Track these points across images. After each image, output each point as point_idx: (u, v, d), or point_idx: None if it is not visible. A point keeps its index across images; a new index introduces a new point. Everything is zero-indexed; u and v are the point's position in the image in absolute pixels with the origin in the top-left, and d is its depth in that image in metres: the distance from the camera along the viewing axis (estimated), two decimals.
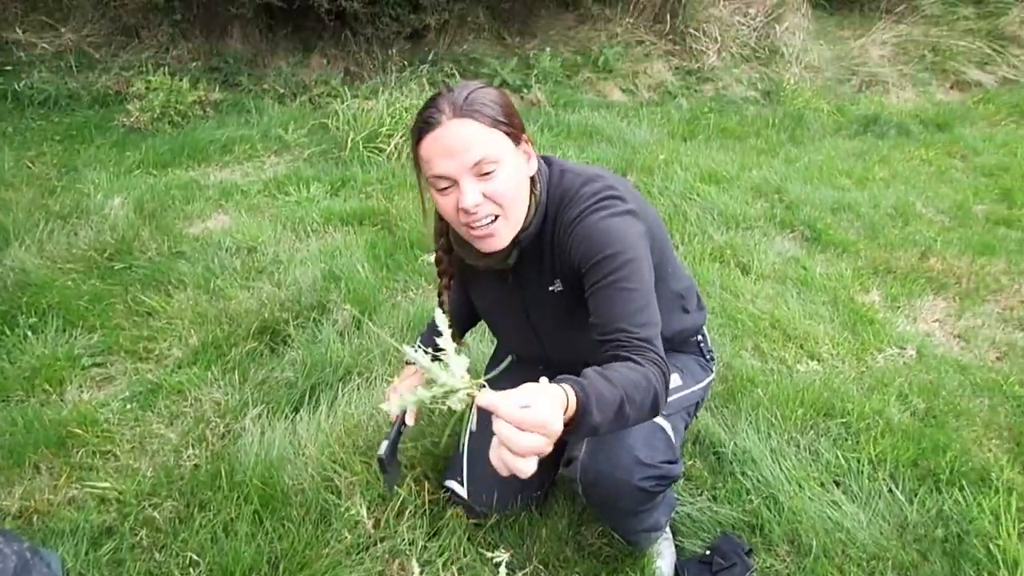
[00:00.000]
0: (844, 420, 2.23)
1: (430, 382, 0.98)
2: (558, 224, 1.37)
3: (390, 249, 3.17)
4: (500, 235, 1.32)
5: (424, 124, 1.28)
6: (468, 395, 0.95)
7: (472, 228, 1.30)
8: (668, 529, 1.87)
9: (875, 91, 6.54)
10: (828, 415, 2.26)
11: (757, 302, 2.89)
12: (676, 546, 1.87)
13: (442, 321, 1.03)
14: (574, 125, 5.12)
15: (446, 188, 1.28)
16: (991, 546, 1.82)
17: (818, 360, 2.59)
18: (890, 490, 2.00)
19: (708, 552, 1.82)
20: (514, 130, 1.31)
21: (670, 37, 6.33)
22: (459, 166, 1.25)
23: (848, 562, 1.79)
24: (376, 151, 4.26)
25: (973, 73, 6.98)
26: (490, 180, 1.26)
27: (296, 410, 2.20)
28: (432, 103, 1.28)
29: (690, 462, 2.07)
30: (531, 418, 0.88)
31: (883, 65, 6.71)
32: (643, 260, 1.29)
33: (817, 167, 4.60)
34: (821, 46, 6.87)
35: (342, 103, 4.59)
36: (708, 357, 1.79)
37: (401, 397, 1.06)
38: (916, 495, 1.98)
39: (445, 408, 0.97)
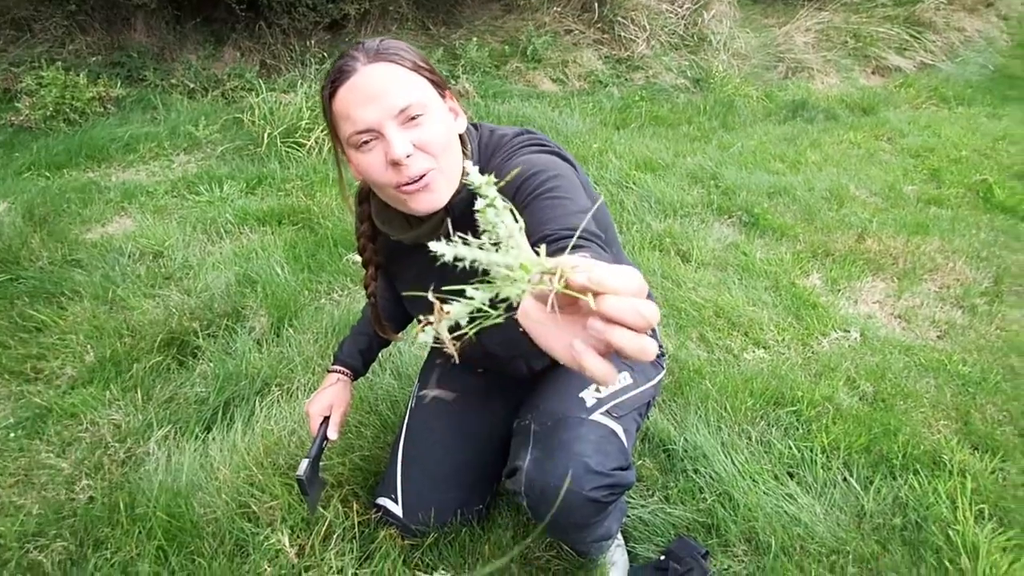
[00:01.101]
0: (794, 408, 2.15)
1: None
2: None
3: (312, 249, 2.95)
4: (437, 189, 1.16)
5: (338, 74, 1.11)
6: (545, 275, 0.54)
7: (404, 187, 1.14)
8: (620, 535, 1.75)
9: (801, 77, 6.61)
10: (778, 404, 2.18)
11: (699, 290, 2.80)
12: (629, 552, 1.76)
13: (472, 170, 0.58)
14: (504, 116, 4.98)
15: (369, 142, 1.12)
16: (950, 532, 1.76)
17: (764, 348, 2.51)
18: (845, 479, 1.94)
19: (663, 557, 1.70)
20: (438, 80, 1.16)
21: (599, 26, 6.25)
22: (382, 112, 1.09)
23: (807, 558, 1.70)
24: (295, 146, 4.02)
25: (893, 59, 7.14)
26: (419, 127, 1.12)
27: (208, 429, 2.00)
28: (343, 55, 1.13)
29: (639, 461, 1.95)
30: (637, 285, 0.54)
31: (807, 52, 6.79)
32: (576, 185, 1.14)
33: (750, 152, 4.58)
34: (748, 34, 6.92)
35: (257, 97, 4.32)
36: (660, 352, 1.67)
37: (445, 314, 0.56)
38: (871, 483, 1.91)
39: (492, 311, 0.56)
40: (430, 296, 0.57)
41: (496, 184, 0.56)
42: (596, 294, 0.52)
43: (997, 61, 8.23)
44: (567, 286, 0.53)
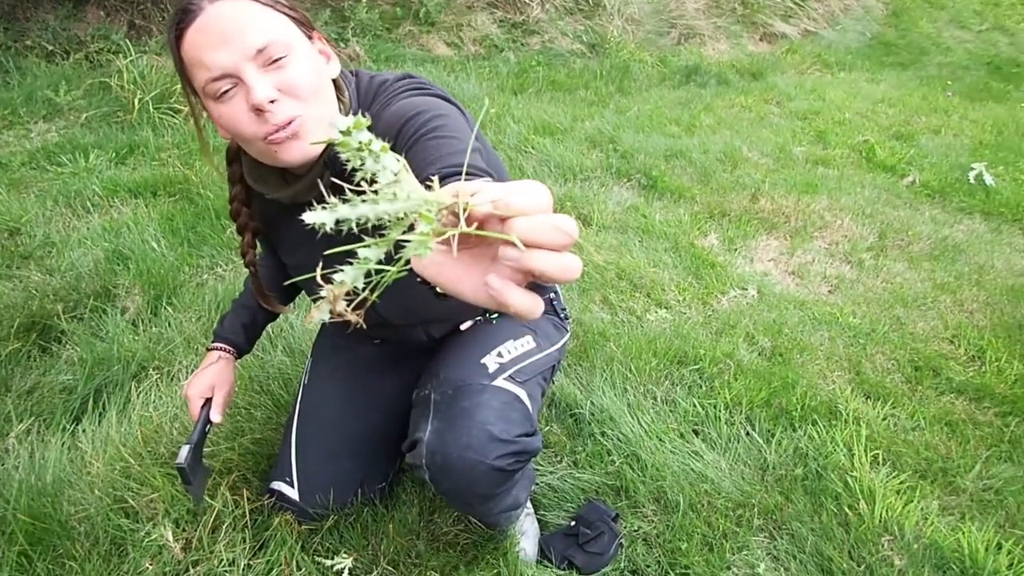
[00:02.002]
0: (697, 367, 2.16)
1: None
2: (372, 129, 1.10)
3: (191, 222, 2.73)
4: (307, 134, 1.03)
5: (183, 14, 0.97)
6: (447, 211, 0.46)
7: (270, 137, 1.01)
8: (529, 503, 1.70)
9: (693, 43, 6.71)
10: (681, 363, 2.18)
11: (601, 253, 2.78)
12: (539, 520, 1.72)
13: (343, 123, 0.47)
14: None
15: (228, 91, 0.99)
16: (848, 479, 1.81)
17: (666, 308, 2.51)
18: (747, 433, 1.96)
19: (573, 523, 1.68)
20: (301, 19, 1.04)
21: None
22: (238, 54, 0.96)
23: (715, 513, 1.71)
24: (170, 112, 3.72)
25: (779, 25, 7.36)
26: (282, 69, 0.99)
27: (77, 420, 1.82)
28: None
29: (547, 428, 1.91)
30: (546, 199, 0.47)
31: (699, 18, 6.90)
32: (463, 125, 1.05)
33: (647, 116, 4.60)
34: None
35: (126, 59, 3.96)
36: (562, 316, 1.61)
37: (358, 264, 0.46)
38: (773, 436, 1.95)
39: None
40: (318, 277, 0.47)
41: (367, 127, 0.46)
42: (503, 219, 0.45)
43: (874, 29, 8.65)
44: (469, 220, 0.45)
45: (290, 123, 1.01)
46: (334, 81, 1.11)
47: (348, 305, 0.47)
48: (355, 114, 1.13)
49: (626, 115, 4.60)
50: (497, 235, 0.45)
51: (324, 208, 0.44)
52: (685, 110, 4.92)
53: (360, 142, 0.46)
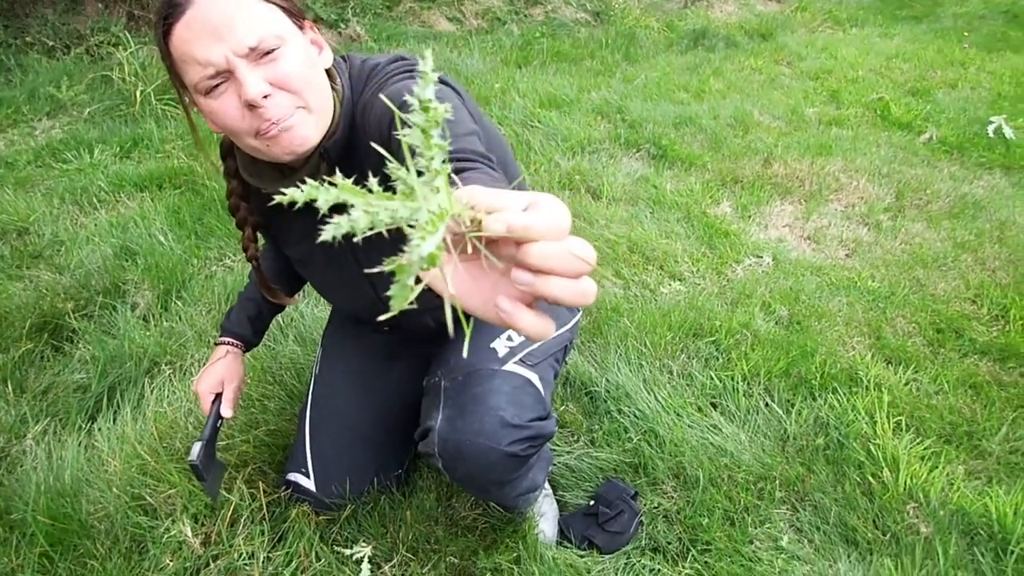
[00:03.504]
0: (713, 339, 2.13)
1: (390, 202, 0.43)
2: (366, 117, 1.07)
3: (198, 213, 2.72)
4: (302, 127, 1.01)
5: (169, 8, 0.94)
6: (460, 222, 0.44)
7: (266, 133, 0.98)
8: (547, 484, 1.69)
9: (700, 6, 6.58)
10: (697, 335, 2.15)
11: (612, 226, 2.74)
12: (557, 501, 1.70)
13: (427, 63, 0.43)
14: None
15: (219, 86, 0.97)
16: (871, 447, 1.78)
17: (680, 280, 2.47)
18: (767, 404, 1.93)
19: (592, 503, 1.66)
20: (292, 9, 1.01)
21: None
22: (229, 50, 0.93)
23: (735, 487, 1.69)
24: (173, 103, 3.70)
25: None
26: (274, 62, 0.96)
27: (92, 419, 1.83)
28: None
29: (562, 407, 1.89)
30: (565, 221, 0.44)
31: None
32: (460, 108, 1.02)
33: (654, 84, 4.52)
34: None
35: (127, 52, 3.93)
36: None
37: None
38: (792, 406, 1.92)
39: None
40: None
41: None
42: (519, 243, 0.42)
43: None
44: (479, 232, 0.42)
45: (284, 118, 0.98)
46: (327, 71, 1.08)
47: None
48: (351, 103, 1.10)
49: (633, 84, 4.52)
50: (497, 262, 0.42)
51: (341, 216, 0.41)
52: (693, 75, 4.83)
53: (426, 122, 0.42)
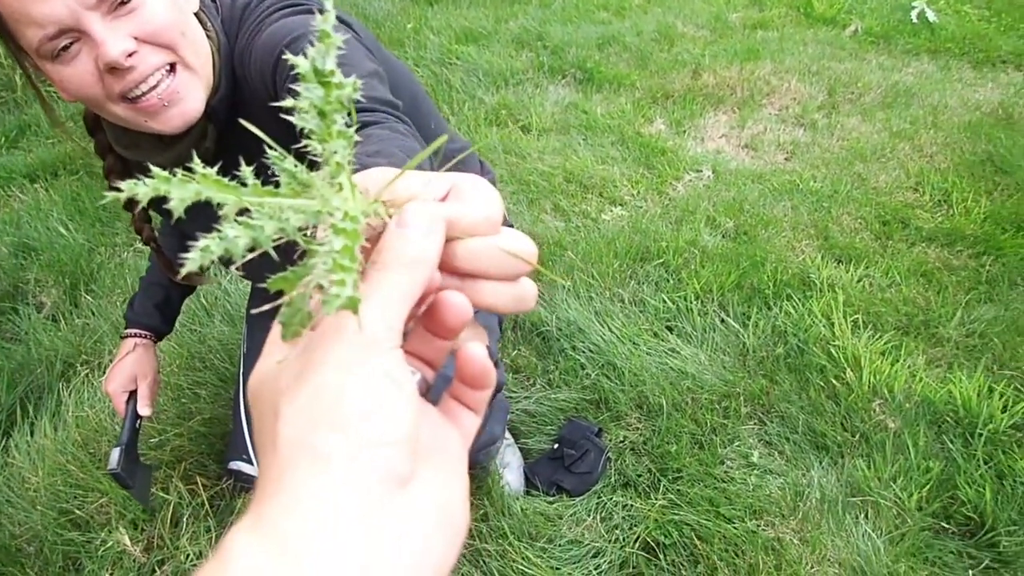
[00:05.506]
0: (661, 261, 2.06)
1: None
2: (247, 67, 0.91)
3: (100, 197, 2.50)
4: (188, 93, 0.85)
5: None
6: (372, 223, 0.32)
7: (139, 100, 0.82)
8: (508, 434, 1.61)
9: None
10: (644, 259, 2.08)
11: (545, 158, 2.62)
12: (520, 448, 1.63)
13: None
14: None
15: (68, 47, 0.78)
16: (831, 349, 1.75)
17: (621, 205, 2.38)
18: (722, 320, 1.88)
19: (556, 446, 1.60)
20: None
21: None
22: (73, 1, 0.75)
23: (700, 409, 1.64)
24: None
25: None
26: (134, 13, 0.78)
27: (7, 434, 1.67)
28: None
29: (514, 352, 1.81)
30: (496, 209, 0.35)
31: None
32: (355, 46, 0.88)
33: (573, 6, 4.34)
34: None
35: None
36: None
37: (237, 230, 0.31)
38: (748, 318, 1.87)
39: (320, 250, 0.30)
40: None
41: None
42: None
43: None
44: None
45: (164, 81, 0.82)
46: (196, 15, 0.91)
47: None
48: (228, 51, 0.93)
49: (551, 8, 4.34)
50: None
51: (204, 246, 0.29)
52: None
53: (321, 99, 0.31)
